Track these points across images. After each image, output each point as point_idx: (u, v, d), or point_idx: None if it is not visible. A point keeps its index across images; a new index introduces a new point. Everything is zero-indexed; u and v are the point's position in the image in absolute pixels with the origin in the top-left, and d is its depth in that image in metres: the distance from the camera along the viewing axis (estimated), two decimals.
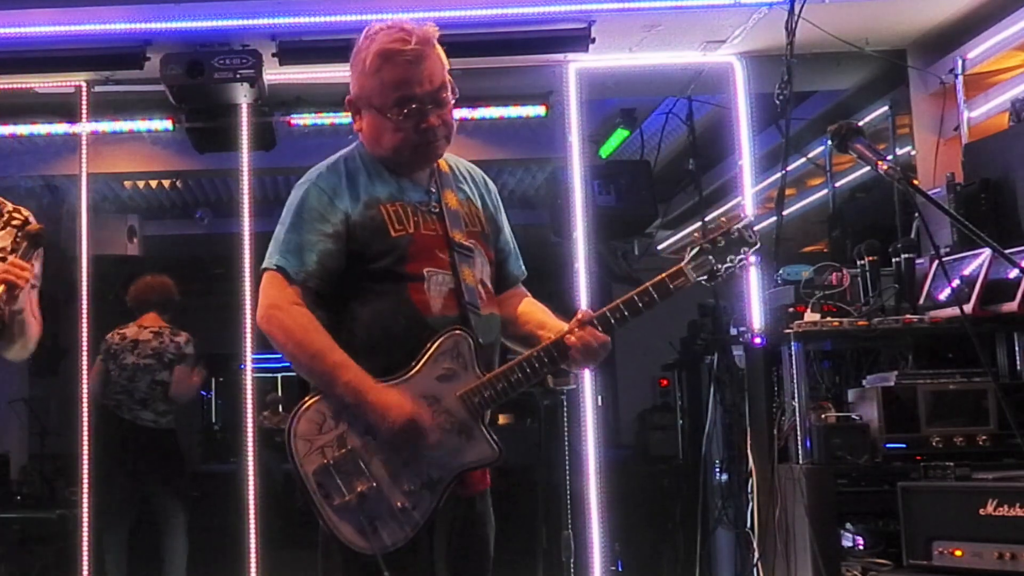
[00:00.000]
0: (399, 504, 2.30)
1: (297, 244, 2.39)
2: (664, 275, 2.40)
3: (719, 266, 2.39)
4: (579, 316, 2.41)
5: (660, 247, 8.81)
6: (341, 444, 2.32)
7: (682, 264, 2.40)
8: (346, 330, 2.40)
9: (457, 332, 2.38)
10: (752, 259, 2.43)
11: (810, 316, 4.13)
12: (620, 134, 6.55)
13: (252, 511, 5.14)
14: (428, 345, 2.37)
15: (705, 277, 2.40)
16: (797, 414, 4.08)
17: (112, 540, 5.64)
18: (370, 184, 2.43)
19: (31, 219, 2.75)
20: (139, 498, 5.74)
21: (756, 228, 2.42)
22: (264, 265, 2.43)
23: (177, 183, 8.02)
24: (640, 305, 2.37)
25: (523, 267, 2.70)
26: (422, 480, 2.32)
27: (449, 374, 2.36)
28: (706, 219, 6.48)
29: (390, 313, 2.38)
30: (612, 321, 2.39)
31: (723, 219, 2.49)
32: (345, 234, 2.39)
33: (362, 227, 2.39)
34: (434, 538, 2.37)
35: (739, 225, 2.41)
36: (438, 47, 2.42)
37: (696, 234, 2.49)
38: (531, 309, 2.62)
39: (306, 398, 2.38)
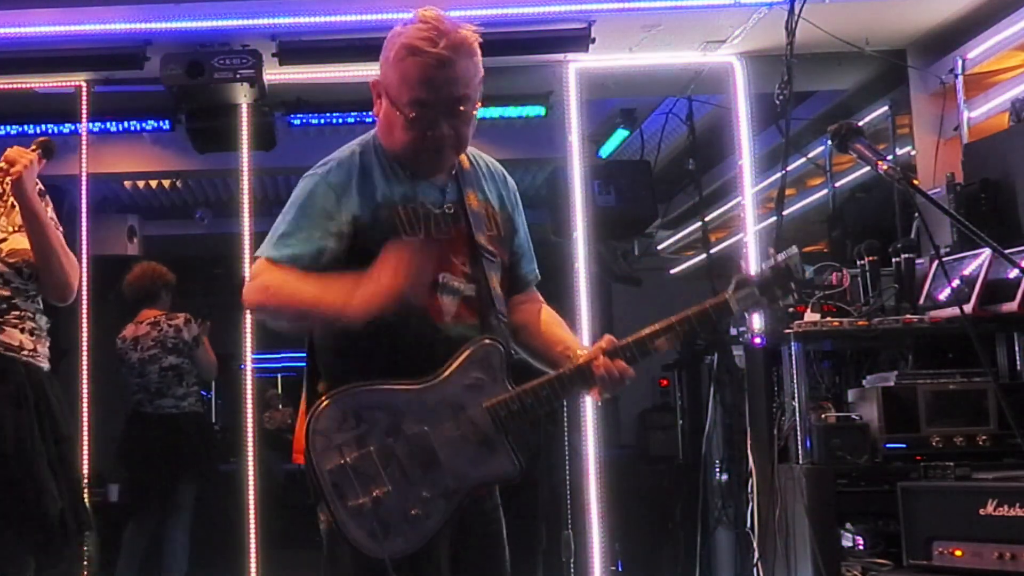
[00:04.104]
0: (414, 512, 2.20)
1: (295, 237, 2.26)
2: (707, 304, 2.32)
3: (763, 299, 2.32)
4: (603, 344, 2.30)
5: (660, 247, 8.80)
6: (360, 444, 2.20)
7: (726, 294, 2.32)
8: (348, 337, 2.25)
9: (488, 342, 2.28)
10: (793, 298, 2.35)
11: (810, 316, 4.12)
12: (620, 134, 6.55)
13: (252, 511, 5.15)
14: (459, 352, 2.27)
15: (750, 309, 2.37)
16: (797, 414, 4.07)
17: (136, 534, 5.66)
18: (384, 183, 2.31)
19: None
20: (169, 488, 5.75)
21: (798, 265, 2.34)
22: (257, 252, 2.31)
23: (177, 183, 8.02)
24: (679, 332, 2.29)
25: (536, 270, 2.59)
26: (439, 489, 2.23)
27: (478, 384, 2.26)
28: (705, 219, 6.48)
29: (397, 319, 2.21)
30: (637, 352, 2.29)
31: (771, 250, 2.41)
32: (350, 235, 2.27)
33: (372, 228, 2.27)
34: (440, 540, 2.27)
35: (784, 256, 2.34)
36: (471, 57, 2.30)
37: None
38: (552, 322, 2.52)
39: (323, 396, 2.25)
